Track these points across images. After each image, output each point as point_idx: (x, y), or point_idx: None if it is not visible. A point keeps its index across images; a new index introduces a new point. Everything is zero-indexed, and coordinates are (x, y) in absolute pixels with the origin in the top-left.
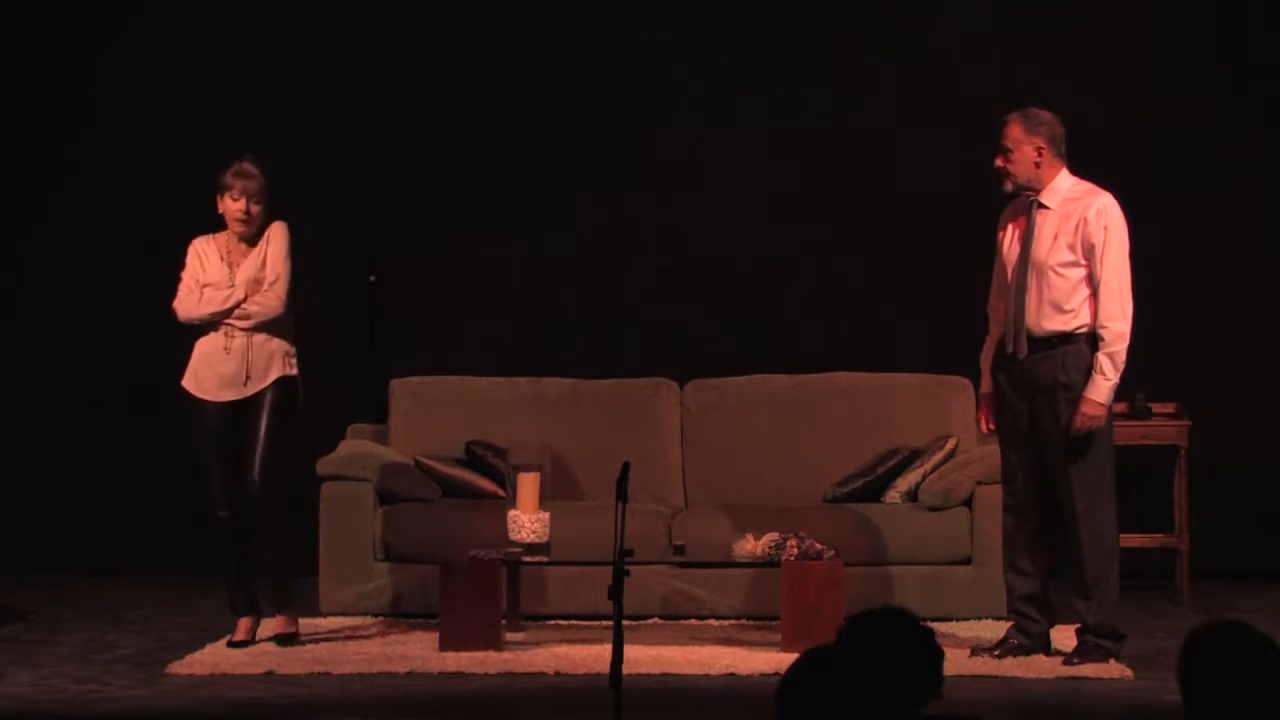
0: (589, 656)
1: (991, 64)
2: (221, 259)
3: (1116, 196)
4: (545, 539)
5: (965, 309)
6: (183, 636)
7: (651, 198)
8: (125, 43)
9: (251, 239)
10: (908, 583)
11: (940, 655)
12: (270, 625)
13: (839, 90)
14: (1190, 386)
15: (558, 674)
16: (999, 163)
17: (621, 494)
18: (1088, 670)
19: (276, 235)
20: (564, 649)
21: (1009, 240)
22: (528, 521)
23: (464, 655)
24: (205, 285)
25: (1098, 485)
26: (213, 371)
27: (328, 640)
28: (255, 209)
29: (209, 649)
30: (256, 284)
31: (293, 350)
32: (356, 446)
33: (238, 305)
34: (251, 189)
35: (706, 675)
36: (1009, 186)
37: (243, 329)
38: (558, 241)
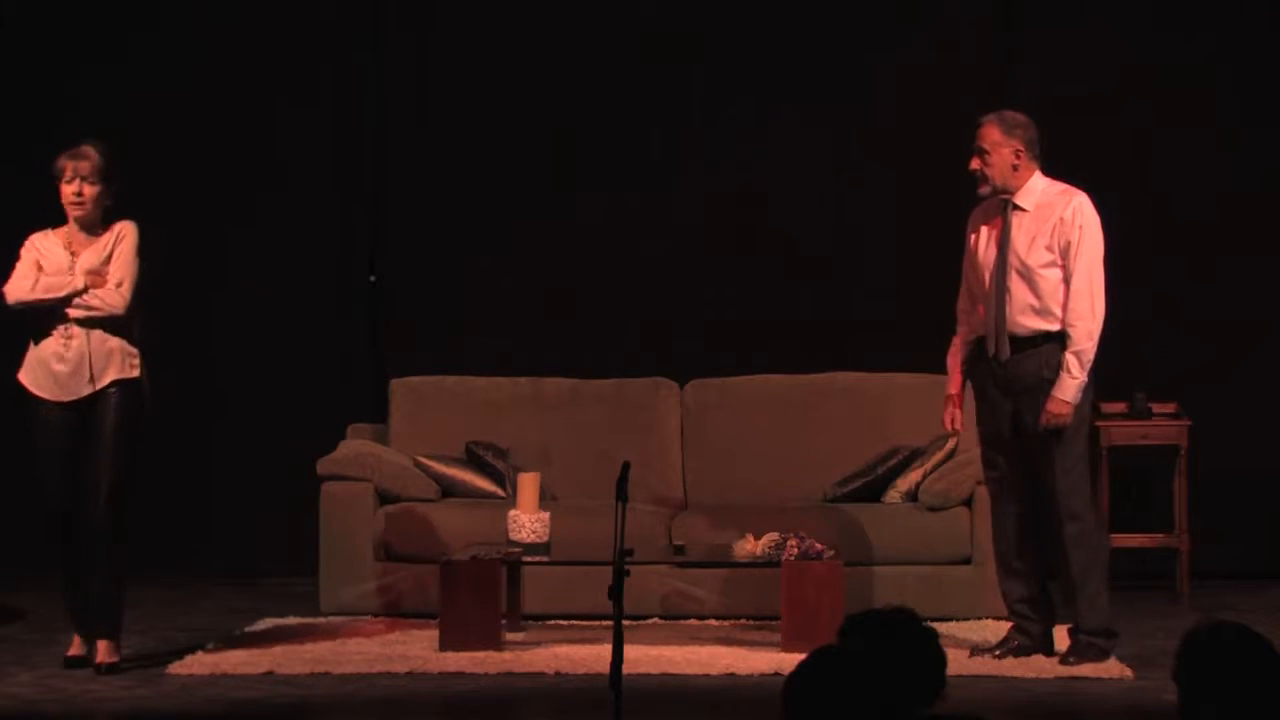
0: (589, 656)
1: (992, 64)
2: (64, 248)
3: (1111, 197)
4: (545, 539)
5: None
6: (182, 637)
7: (652, 197)
8: (129, 44)
9: (91, 226)
10: (908, 583)
11: (942, 656)
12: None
13: (841, 90)
14: (1190, 387)
15: (558, 674)
16: (975, 165)
17: (621, 494)
18: (1087, 670)
19: (127, 234)
20: (564, 649)
21: (983, 242)
22: (528, 521)
23: (464, 655)
24: (44, 273)
25: (1079, 483)
26: (50, 372)
27: (328, 640)
28: (89, 190)
29: (209, 649)
30: (98, 276)
31: (135, 353)
32: (356, 446)
33: (75, 294)
34: (84, 169)
35: (706, 675)
36: (986, 190)
37: (80, 323)
38: (558, 241)
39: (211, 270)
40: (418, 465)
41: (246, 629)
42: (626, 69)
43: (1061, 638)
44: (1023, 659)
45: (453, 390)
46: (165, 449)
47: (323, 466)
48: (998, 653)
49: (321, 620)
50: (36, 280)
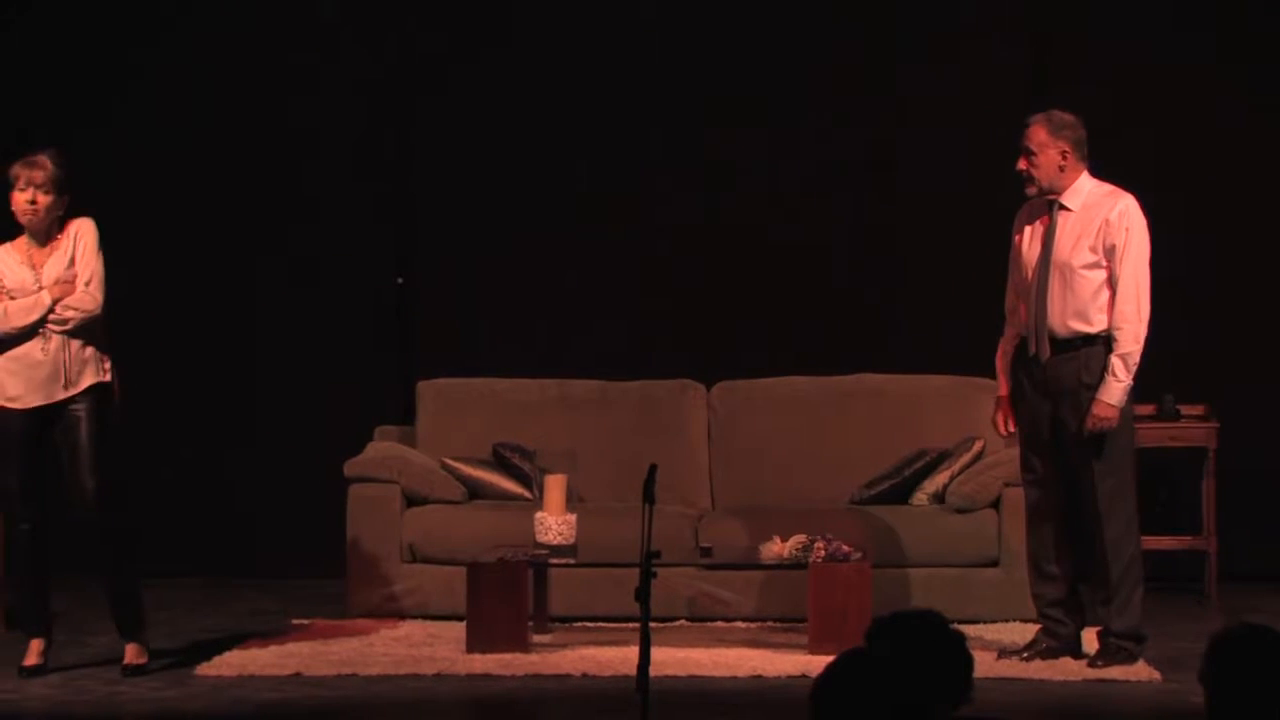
0: (616, 658)
1: (1024, 64)
2: (23, 263)
3: (1143, 198)
4: (572, 541)
5: (993, 311)
6: (210, 638)
7: (679, 200)
8: (161, 46)
9: (44, 234)
10: (935, 585)
11: (969, 659)
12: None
13: (871, 90)
14: (1219, 389)
15: (584, 676)
16: (1022, 166)
17: (648, 496)
18: (1115, 673)
19: (85, 232)
20: (591, 651)
21: (1028, 241)
22: (555, 523)
23: (491, 657)
24: (9, 293)
25: (1119, 487)
26: (25, 377)
27: (355, 642)
28: (44, 199)
29: (236, 651)
30: (66, 286)
31: (106, 356)
32: (383, 448)
33: (49, 311)
34: (38, 179)
35: (733, 677)
36: (1033, 190)
37: (60, 332)
38: (584, 243)
39: (240, 273)
40: (445, 467)
41: (274, 630)
42: (653, 71)
43: (1090, 640)
44: (1050, 661)
45: (480, 392)
46: (193, 451)
47: (350, 468)
48: (1025, 655)
49: (349, 622)
50: (6, 310)
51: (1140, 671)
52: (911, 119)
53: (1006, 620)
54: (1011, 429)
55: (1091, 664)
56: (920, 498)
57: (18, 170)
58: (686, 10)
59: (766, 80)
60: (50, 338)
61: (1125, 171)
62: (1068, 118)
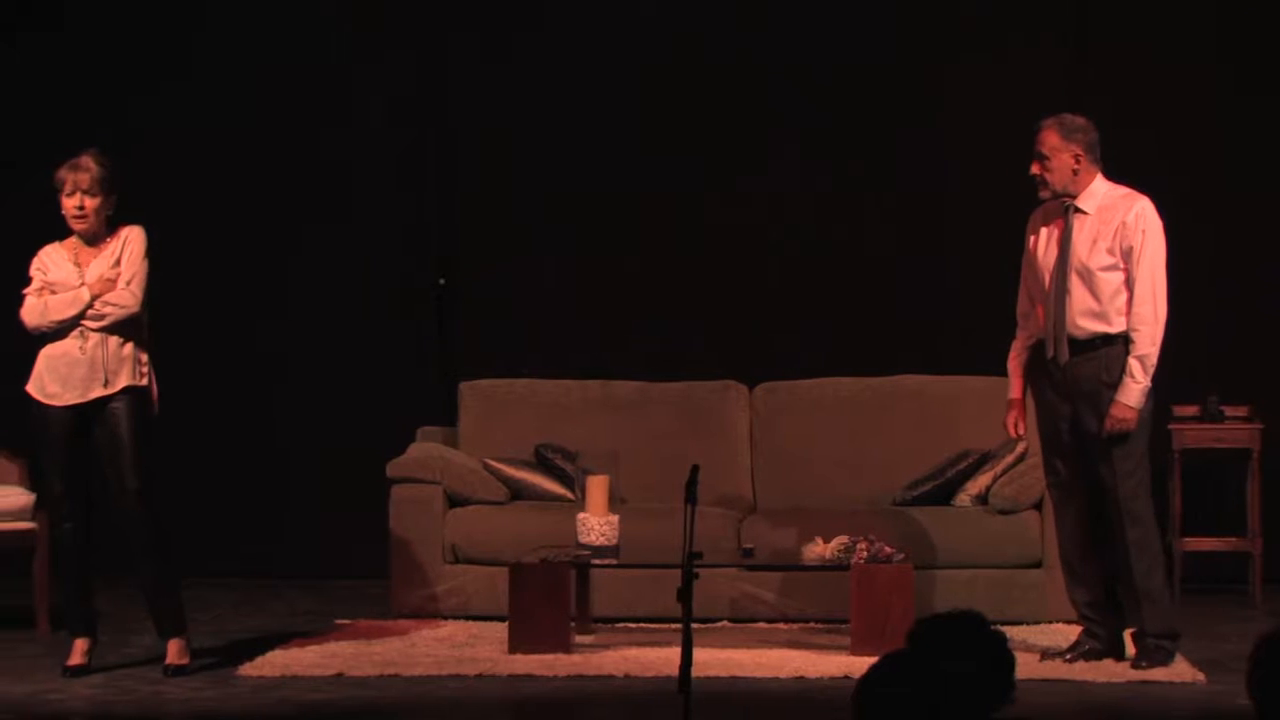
0: (658, 659)
1: (1055, 66)
2: (69, 260)
3: (1187, 199)
4: (614, 542)
5: None
6: (253, 638)
7: (721, 200)
8: (199, 49)
9: (94, 238)
10: (977, 586)
11: (1012, 661)
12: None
13: (904, 93)
14: (1263, 389)
15: (627, 676)
16: (1035, 170)
17: (691, 497)
18: (1159, 674)
19: (134, 238)
20: (633, 652)
21: (1043, 244)
22: (597, 524)
23: (533, 658)
24: (51, 287)
25: (1139, 488)
26: (63, 374)
27: (398, 642)
28: (91, 202)
29: (279, 651)
30: (108, 284)
31: (145, 359)
32: (426, 449)
33: (88, 307)
34: (84, 182)
35: (776, 678)
36: (1046, 194)
37: (97, 329)
38: (626, 243)
39: (283, 272)
40: (487, 468)
41: (317, 631)
42: (693, 71)
43: (1130, 642)
44: (1094, 663)
45: (522, 393)
46: (237, 451)
47: (393, 469)
48: (1069, 657)
49: (391, 622)
50: (47, 304)
51: (1184, 673)
52: (947, 119)
53: (1050, 622)
54: (1022, 431)
55: (1135, 666)
56: (963, 499)
57: (63, 174)
58: (726, 11)
59: (806, 81)
60: (88, 336)
61: (1167, 173)
62: (1079, 121)
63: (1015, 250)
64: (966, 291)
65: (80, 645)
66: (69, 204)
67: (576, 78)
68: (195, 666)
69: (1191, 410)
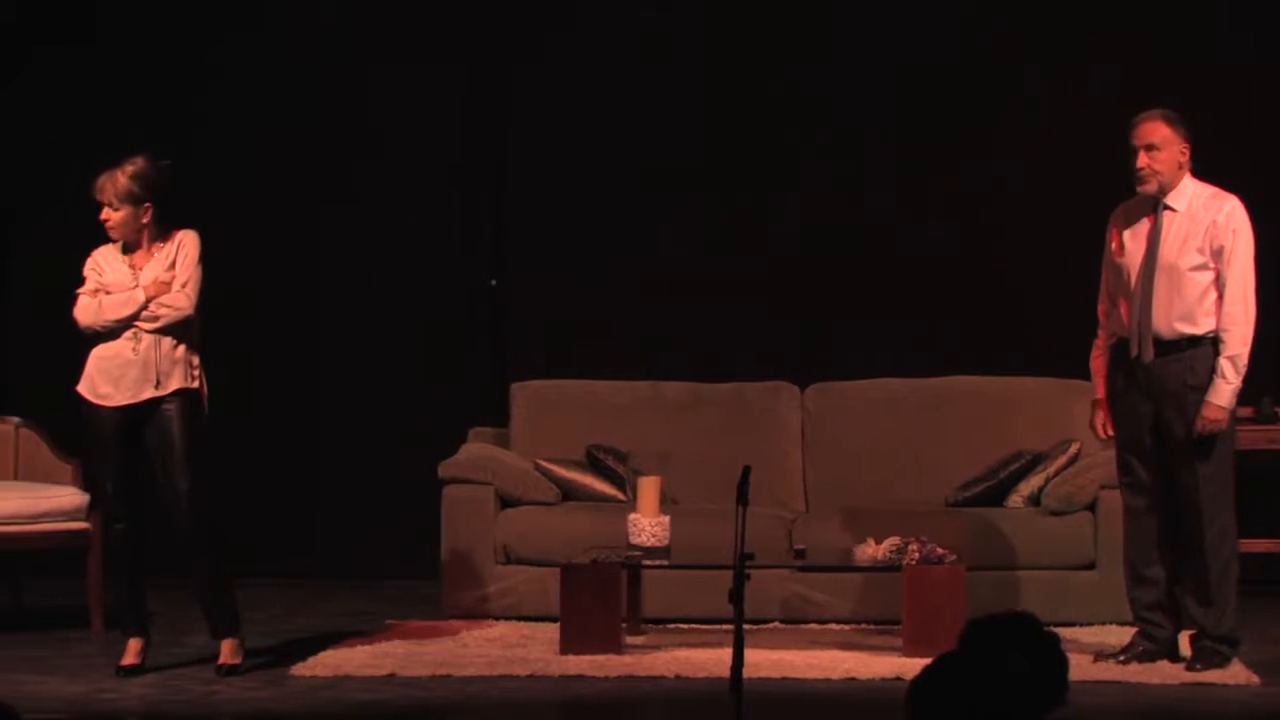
0: (709, 660)
1: (1120, 67)
2: (123, 262)
3: (1247, 199)
4: (666, 542)
5: (1087, 313)
6: (305, 638)
7: (774, 199)
8: (252, 51)
9: (134, 244)
10: (1030, 587)
11: (1065, 662)
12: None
13: (967, 92)
14: None
15: (678, 677)
16: (1144, 162)
17: (742, 498)
18: (1212, 676)
19: (189, 243)
20: (684, 652)
21: (1129, 243)
22: (648, 525)
23: (585, 658)
24: (105, 288)
25: (1221, 489)
26: (115, 375)
27: (450, 642)
28: (115, 215)
29: (331, 651)
30: (163, 286)
31: (197, 362)
32: (477, 450)
33: (142, 308)
34: (109, 194)
35: (827, 679)
36: (1152, 187)
37: (151, 331)
38: (678, 243)
39: (336, 274)
40: (538, 469)
41: (369, 631)
42: (749, 70)
43: (1185, 644)
44: (1148, 665)
45: (573, 394)
46: (290, 452)
47: (444, 470)
48: (1123, 658)
49: (443, 622)
50: (101, 304)
51: (1238, 675)
52: (1009, 119)
53: (1103, 623)
54: (1111, 432)
55: (1190, 667)
56: (1016, 500)
57: (99, 183)
58: (787, 13)
59: (866, 80)
60: (141, 337)
61: (1235, 171)
62: (1179, 115)
63: (1074, 251)
64: (1020, 293)
65: (134, 645)
66: (101, 217)
67: (630, 77)
68: (248, 666)
69: (1247, 412)
